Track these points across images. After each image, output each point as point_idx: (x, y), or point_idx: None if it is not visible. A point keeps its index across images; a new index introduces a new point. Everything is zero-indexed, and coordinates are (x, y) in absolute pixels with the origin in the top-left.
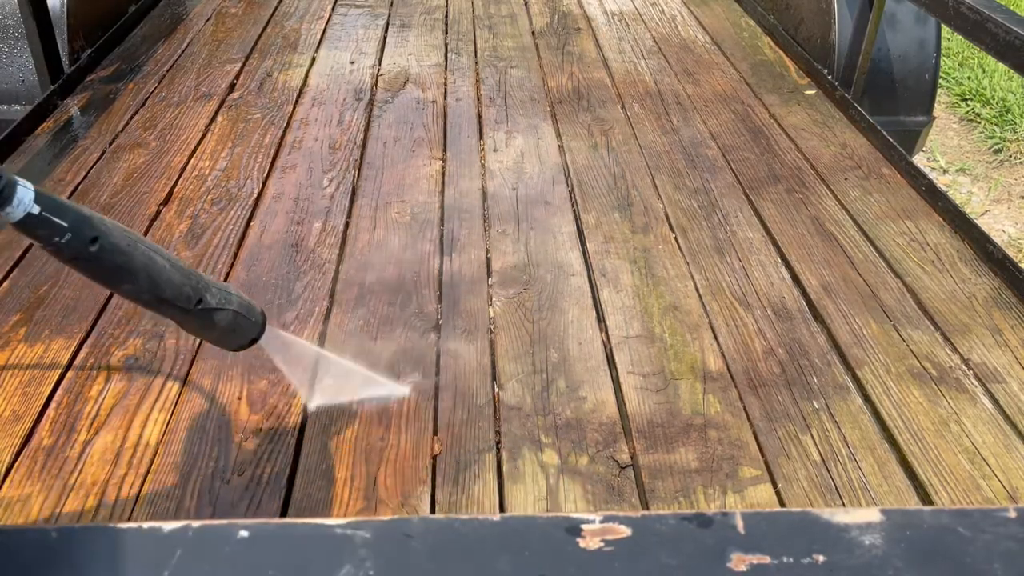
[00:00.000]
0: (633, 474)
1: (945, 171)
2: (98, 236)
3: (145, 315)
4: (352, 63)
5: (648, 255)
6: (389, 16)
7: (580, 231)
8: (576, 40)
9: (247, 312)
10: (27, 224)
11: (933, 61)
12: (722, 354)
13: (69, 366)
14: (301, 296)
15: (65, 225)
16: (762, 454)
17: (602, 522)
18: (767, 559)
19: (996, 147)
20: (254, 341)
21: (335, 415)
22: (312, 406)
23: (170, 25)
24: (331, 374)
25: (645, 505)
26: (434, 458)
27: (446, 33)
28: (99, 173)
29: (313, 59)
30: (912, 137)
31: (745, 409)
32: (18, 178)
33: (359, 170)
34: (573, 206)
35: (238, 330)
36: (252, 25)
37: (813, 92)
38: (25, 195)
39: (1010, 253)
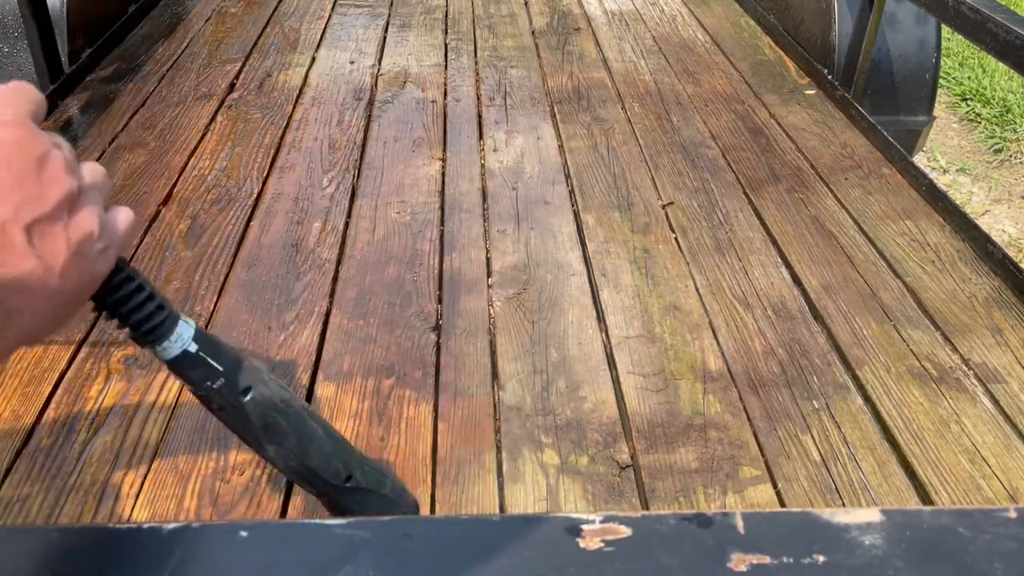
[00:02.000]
0: (633, 474)
1: (945, 171)
2: (251, 387)
3: None
4: (352, 63)
5: (648, 255)
6: (389, 16)
7: (580, 231)
8: (576, 40)
9: (399, 498)
10: (181, 363)
11: (933, 61)
12: (722, 354)
13: (69, 366)
14: (301, 296)
15: (220, 369)
16: (762, 454)
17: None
18: (767, 559)
19: (996, 147)
20: None
21: (335, 415)
22: None
23: (170, 25)
24: None
25: (645, 505)
26: (434, 455)
27: (446, 33)
28: None
29: (313, 59)
30: (912, 137)
31: (745, 409)
32: (180, 312)
33: (359, 170)
34: (573, 206)
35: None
36: (252, 25)
37: (813, 92)
38: (185, 331)
39: (1010, 253)
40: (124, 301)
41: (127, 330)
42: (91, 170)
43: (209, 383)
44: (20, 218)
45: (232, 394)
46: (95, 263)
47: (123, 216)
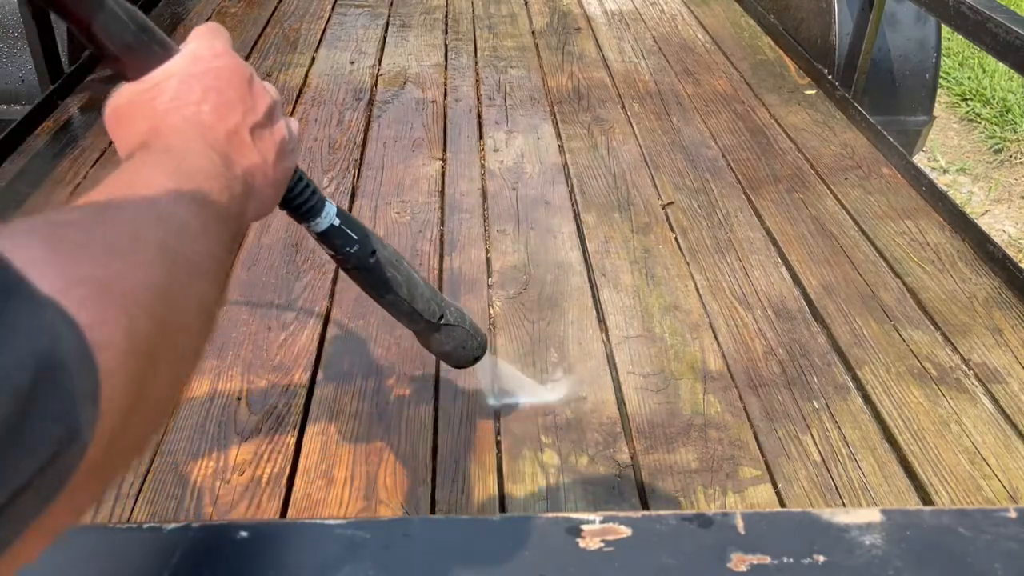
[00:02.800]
0: (633, 474)
1: (945, 171)
2: (376, 250)
3: None
4: (352, 63)
5: (648, 255)
6: (389, 16)
7: (580, 231)
8: (576, 40)
9: (475, 333)
10: (328, 234)
11: (933, 61)
12: (722, 354)
13: None
14: (301, 296)
15: (356, 237)
16: (762, 454)
17: (602, 522)
18: (767, 559)
19: (996, 147)
20: (477, 359)
21: (335, 415)
22: (495, 403)
23: (170, 25)
24: (515, 384)
25: (645, 505)
26: (434, 455)
27: (446, 33)
28: (99, 173)
29: (313, 59)
30: (912, 137)
31: (745, 409)
32: (326, 196)
33: (359, 170)
34: (573, 206)
35: (467, 347)
36: (252, 25)
37: (813, 92)
38: (331, 209)
39: (1010, 253)
40: (296, 191)
41: (292, 210)
42: (274, 89)
43: (349, 248)
44: (246, 123)
45: (364, 256)
46: (289, 158)
47: (295, 124)
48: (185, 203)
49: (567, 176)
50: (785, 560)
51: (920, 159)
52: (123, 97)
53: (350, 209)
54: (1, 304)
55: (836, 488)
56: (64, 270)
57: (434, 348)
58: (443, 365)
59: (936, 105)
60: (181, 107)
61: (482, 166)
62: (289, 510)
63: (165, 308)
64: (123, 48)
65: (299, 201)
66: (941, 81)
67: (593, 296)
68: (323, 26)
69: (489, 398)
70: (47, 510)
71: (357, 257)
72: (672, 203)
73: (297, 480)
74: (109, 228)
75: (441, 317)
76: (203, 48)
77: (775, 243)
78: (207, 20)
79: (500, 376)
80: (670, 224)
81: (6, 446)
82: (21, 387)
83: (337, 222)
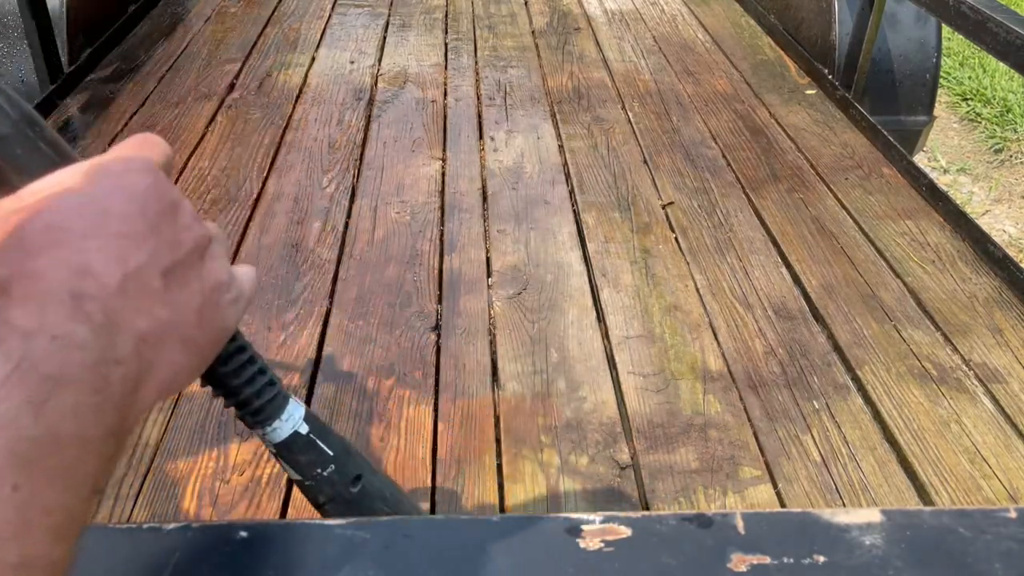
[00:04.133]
0: (633, 474)
1: (946, 171)
2: (361, 475)
3: None
4: (352, 63)
5: (648, 255)
6: (389, 16)
7: (580, 231)
8: (576, 40)
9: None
10: (290, 446)
11: (934, 61)
12: (722, 354)
13: None
14: (301, 296)
15: (331, 454)
16: (762, 454)
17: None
18: (767, 559)
19: (997, 147)
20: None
21: (335, 415)
22: None
23: (170, 25)
24: None
25: (645, 505)
26: (434, 455)
27: (446, 33)
28: None
29: (313, 59)
30: (913, 137)
31: (745, 409)
32: (289, 393)
33: (359, 170)
34: (573, 206)
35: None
36: (252, 25)
37: (814, 92)
38: (296, 411)
39: (1011, 253)
40: (237, 373)
41: (233, 408)
42: (216, 227)
43: (319, 470)
44: (156, 264)
45: (342, 482)
46: (225, 315)
47: (248, 272)
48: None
49: (567, 176)
50: (785, 560)
51: (920, 159)
52: None
53: (350, 210)
54: None
55: (836, 488)
56: None
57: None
58: (443, 365)
59: (936, 105)
60: (59, 242)
61: (482, 166)
62: (289, 510)
63: None
64: None
65: (246, 393)
66: (941, 81)
67: (593, 296)
68: (323, 26)
69: None
70: None
71: (331, 484)
72: (672, 203)
73: None
74: None
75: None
76: (117, 161)
77: (775, 243)
78: (207, 20)
79: None
80: (670, 224)
81: None
82: None
83: (304, 429)
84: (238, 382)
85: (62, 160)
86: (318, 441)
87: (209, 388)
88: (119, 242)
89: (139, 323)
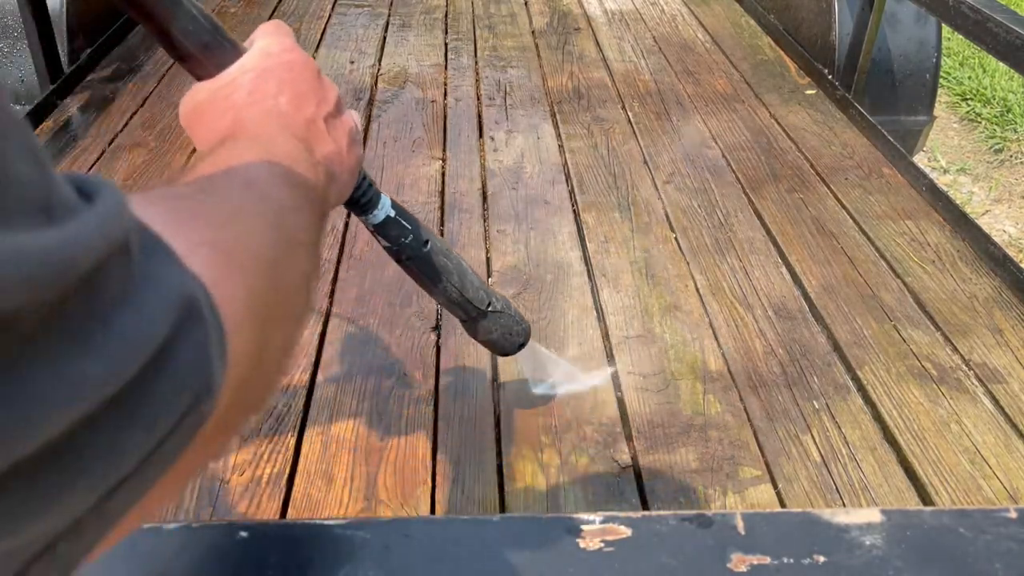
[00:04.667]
0: (633, 474)
1: (946, 171)
2: (429, 239)
3: None
4: (352, 63)
5: (648, 255)
6: (389, 16)
7: (580, 231)
8: (576, 40)
9: (520, 320)
10: (385, 225)
11: (934, 61)
12: (722, 354)
13: None
14: None
15: (410, 227)
16: (762, 454)
17: (602, 522)
18: (767, 559)
19: (997, 147)
20: (521, 346)
21: (335, 415)
22: (537, 391)
23: None
24: (554, 372)
25: (645, 505)
26: (434, 455)
27: (446, 33)
28: (99, 173)
29: (313, 58)
30: (913, 137)
31: (745, 409)
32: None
33: None
34: (573, 206)
35: (512, 334)
36: (252, 25)
37: (813, 92)
38: (386, 200)
39: (1011, 253)
40: (359, 185)
41: (354, 203)
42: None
43: (404, 239)
44: (320, 113)
45: (419, 245)
46: (358, 147)
47: (358, 116)
48: (279, 183)
49: (567, 176)
50: (785, 560)
51: (920, 159)
52: (200, 94)
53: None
54: (144, 258)
55: (836, 488)
56: (186, 235)
57: (480, 336)
58: (443, 365)
59: (936, 105)
60: (260, 100)
61: (482, 166)
62: (289, 510)
63: (274, 275)
64: (200, 47)
65: (360, 192)
66: (941, 81)
67: (593, 296)
68: (323, 26)
69: (532, 386)
70: (176, 460)
71: (411, 247)
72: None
73: (297, 480)
74: (217, 201)
75: (489, 304)
76: (272, 44)
77: (775, 243)
78: None
79: (541, 362)
80: (670, 224)
81: (148, 391)
82: (163, 334)
83: (392, 213)
84: (360, 189)
85: (239, 51)
86: (401, 220)
87: None
88: (295, 100)
89: (321, 149)
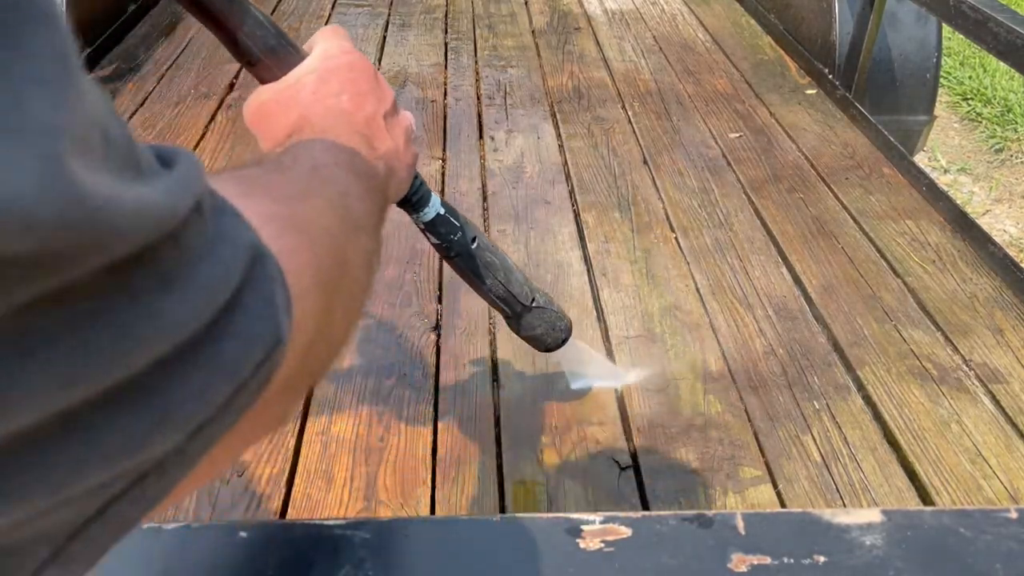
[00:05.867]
0: (633, 474)
1: (946, 171)
2: (477, 236)
3: None
4: None
5: (648, 255)
6: (389, 15)
7: (580, 231)
8: (576, 39)
9: (562, 315)
10: (435, 223)
11: (934, 60)
12: (722, 354)
13: None
14: None
15: (458, 224)
16: (763, 454)
17: (602, 522)
18: (767, 559)
19: (997, 147)
20: (564, 342)
21: (335, 415)
22: (575, 387)
23: (170, 25)
24: (592, 367)
25: (645, 505)
26: (434, 455)
27: (446, 32)
28: None
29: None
30: (913, 136)
31: (746, 409)
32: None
33: None
34: (573, 206)
35: (556, 329)
36: None
37: (814, 91)
38: (436, 198)
39: (1011, 253)
40: (412, 184)
41: (407, 201)
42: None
43: (453, 236)
44: (379, 111)
45: (466, 242)
46: (414, 145)
47: (411, 116)
48: (343, 171)
49: (567, 176)
50: (785, 560)
51: (921, 159)
52: (265, 95)
53: None
54: (217, 217)
55: (837, 488)
56: (257, 207)
57: (524, 332)
58: (443, 365)
59: (937, 105)
60: (323, 99)
61: (482, 165)
62: (289, 510)
63: (339, 252)
64: (266, 51)
65: (413, 190)
66: (942, 81)
67: (593, 296)
68: (323, 26)
69: (571, 381)
70: (251, 407)
71: (461, 244)
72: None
73: (296, 480)
74: (286, 181)
75: (533, 300)
76: (332, 47)
77: (775, 243)
78: None
79: (580, 358)
80: (670, 224)
81: (224, 335)
82: (235, 284)
83: (443, 210)
84: (413, 186)
85: (301, 55)
86: (450, 218)
87: None
88: (356, 98)
89: (381, 146)
